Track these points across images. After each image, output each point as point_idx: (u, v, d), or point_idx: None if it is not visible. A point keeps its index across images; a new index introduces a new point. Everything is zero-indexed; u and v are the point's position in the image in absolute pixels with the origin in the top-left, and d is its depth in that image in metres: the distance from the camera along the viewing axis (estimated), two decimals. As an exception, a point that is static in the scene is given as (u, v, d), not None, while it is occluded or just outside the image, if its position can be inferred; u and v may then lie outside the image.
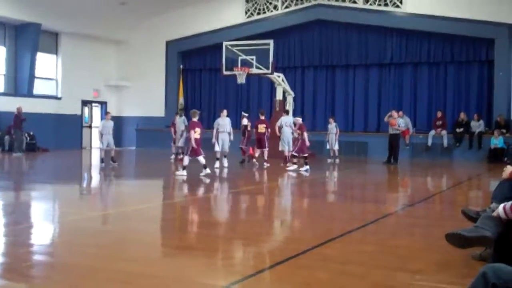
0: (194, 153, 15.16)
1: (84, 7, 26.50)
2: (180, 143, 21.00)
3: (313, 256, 6.10)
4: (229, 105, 27.66)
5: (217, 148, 18.38)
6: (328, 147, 22.15)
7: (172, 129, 21.78)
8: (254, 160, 19.35)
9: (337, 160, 21.43)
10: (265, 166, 18.51)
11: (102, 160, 18.42)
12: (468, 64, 25.07)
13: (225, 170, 17.37)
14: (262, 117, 19.89)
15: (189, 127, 15.80)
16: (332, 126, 22.07)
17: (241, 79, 22.08)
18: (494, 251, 5.16)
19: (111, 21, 28.80)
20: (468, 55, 24.78)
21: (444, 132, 23.74)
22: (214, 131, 18.68)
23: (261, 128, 19.41)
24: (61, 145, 26.71)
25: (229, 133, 18.81)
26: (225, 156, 18.58)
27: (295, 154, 17.82)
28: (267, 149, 19.39)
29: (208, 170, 15.11)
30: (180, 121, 21.45)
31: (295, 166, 17.61)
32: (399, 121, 21.06)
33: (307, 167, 17.37)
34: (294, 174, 16.39)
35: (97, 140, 29.79)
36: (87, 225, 8.03)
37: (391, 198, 12.82)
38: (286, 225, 8.78)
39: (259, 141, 19.42)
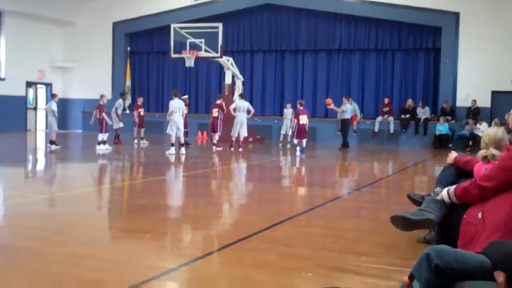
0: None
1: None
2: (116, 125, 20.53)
3: (261, 239, 6.14)
4: (178, 88, 27.29)
5: (170, 131, 16.95)
6: (282, 131, 22.23)
7: (135, 112, 21.17)
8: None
9: (288, 146, 21.47)
10: (215, 150, 18.47)
11: (51, 142, 18.13)
12: (415, 52, 25.40)
13: (179, 156, 16.58)
14: (219, 101, 19.64)
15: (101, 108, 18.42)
16: (289, 112, 22.22)
17: (190, 63, 21.97)
18: (437, 233, 5.27)
19: (57, 1, 28.15)
20: (415, 42, 25.10)
21: (391, 118, 24.07)
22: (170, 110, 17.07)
23: (215, 112, 19.28)
24: (5, 127, 26.06)
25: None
26: (182, 145, 17.18)
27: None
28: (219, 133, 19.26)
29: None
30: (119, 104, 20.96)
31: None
32: (347, 107, 21.24)
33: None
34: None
35: (42, 122, 29.71)
36: (32, 208, 7.89)
37: (338, 182, 12.99)
38: (234, 209, 8.80)
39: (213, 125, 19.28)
